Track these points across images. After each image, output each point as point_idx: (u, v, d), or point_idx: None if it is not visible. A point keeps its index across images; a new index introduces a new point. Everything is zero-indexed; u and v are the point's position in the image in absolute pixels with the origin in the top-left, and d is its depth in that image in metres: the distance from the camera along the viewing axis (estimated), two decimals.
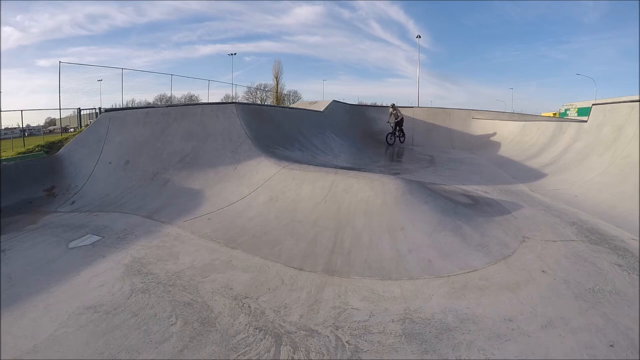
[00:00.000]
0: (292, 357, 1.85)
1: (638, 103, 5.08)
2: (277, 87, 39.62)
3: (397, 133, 10.93)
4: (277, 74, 39.85)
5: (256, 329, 2.09)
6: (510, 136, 9.82)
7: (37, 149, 7.85)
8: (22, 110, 16.33)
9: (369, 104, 23.08)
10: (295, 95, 41.35)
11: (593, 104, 6.50)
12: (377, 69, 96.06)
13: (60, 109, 15.54)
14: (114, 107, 15.39)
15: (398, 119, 10.85)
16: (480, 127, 11.12)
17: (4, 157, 6.64)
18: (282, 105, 26.81)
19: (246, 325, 2.13)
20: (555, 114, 36.85)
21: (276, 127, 7.17)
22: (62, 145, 6.99)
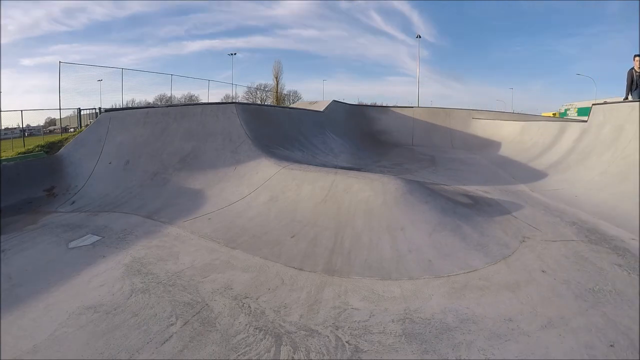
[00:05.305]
0: (292, 357, 1.85)
1: (638, 103, 5.08)
2: (277, 87, 39.71)
3: None
4: (277, 74, 39.94)
5: (256, 329, 2.09)
6: (510, 136, 9.82)
7: (37, 149, 7.86)
8: (22, 110, 16.37)
9: (369, 103, 23.12)
10: (295, 95, 41.41)
11: (593, 104, 6.51)
12: (378, 66, 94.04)
13: (60, 109, 15.56)
14: (113, 107, 15.41)
15: None
16: (481, 127, 11.12)
17: (4, 157, 6.64)
18: (282, 105, 26.83)
19: (246, 325, 2.13)
20: (555, 114, 36.87)
21: (276, 127, 7.17)
22: (62, 145, 6.99)
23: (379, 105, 18.52)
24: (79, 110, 16.16)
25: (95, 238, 3.63)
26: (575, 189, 4.78)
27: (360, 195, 3.73)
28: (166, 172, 5.29)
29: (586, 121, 6.45)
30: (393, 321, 2.13)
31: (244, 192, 4.48)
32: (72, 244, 3.51)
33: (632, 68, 6.96)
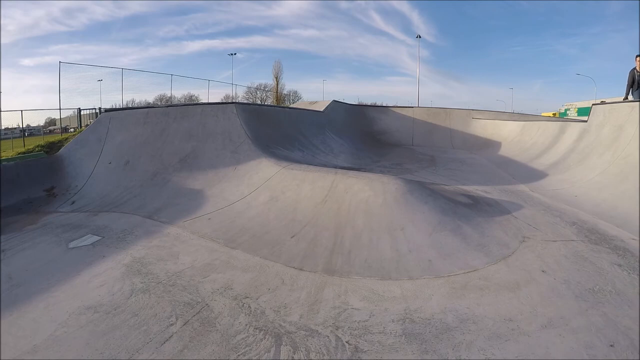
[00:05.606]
0: (292, 357, 1.85)
1: (638, 103, 5.08)
2: (277, 87, 39.77)
3: None
4: (277, 74, 40.02)
5: (256, 329, 2.09)
6: (510, 136, 9.82)
7: (37, 149, 7.86)
8: (22, 110, 16.37)
9: (369, 103, 23.13)
10: (295, 95, 41.46)
11: (593, 104, 6.51)
12: (378, 66, 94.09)
13: (60, 109, 15.56)
14: (113, 107, 15.41)
15: None
16: (481, 127, 11.12)
17: (4, 157, 6.64)
18: (282, 105, 26.82)
19: (246, 325, 2.13)
20: (555, 113, 36.89)
21: (276, 127, 7.17)
22: (62, 145, 6.99)
23: (379, 105, 18.54)
24: (79, 110, 16.17)
25: (95, 238, 3.63)
26: (575, 189, 4.78)
27: (360, 195, 3.73)
28: (166, 172, 5.29)
29: (586, 121, 6.46)
30: (393, 321, 2.13)
31: (244, 192, 4.48)
32: (72, 244, 3.51)
33: (634, 68, 6.98)
